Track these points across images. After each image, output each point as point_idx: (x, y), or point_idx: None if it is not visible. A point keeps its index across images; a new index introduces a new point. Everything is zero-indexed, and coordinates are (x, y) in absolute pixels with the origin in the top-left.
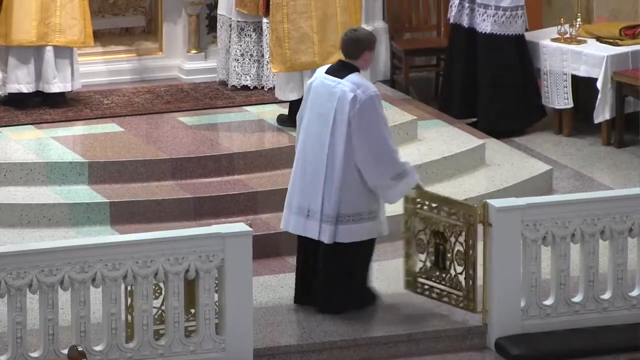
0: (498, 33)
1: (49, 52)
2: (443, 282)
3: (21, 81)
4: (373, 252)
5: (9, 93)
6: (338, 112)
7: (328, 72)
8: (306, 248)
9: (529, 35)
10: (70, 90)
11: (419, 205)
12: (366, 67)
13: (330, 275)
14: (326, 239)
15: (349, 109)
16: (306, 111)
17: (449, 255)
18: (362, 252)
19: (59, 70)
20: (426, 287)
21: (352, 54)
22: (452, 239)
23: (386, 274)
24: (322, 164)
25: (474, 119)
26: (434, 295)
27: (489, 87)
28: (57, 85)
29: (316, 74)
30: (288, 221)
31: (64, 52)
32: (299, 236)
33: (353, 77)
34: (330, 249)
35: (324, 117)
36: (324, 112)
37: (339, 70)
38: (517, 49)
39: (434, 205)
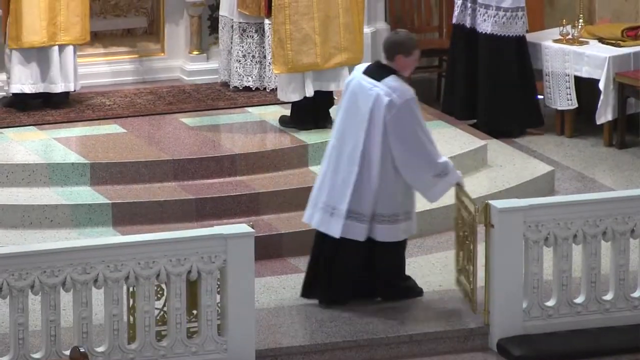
0: (498, 34)
1: (55, 52)
2: (466, 280)
3: (25, 81)
4: (405, 247)
5: (12, 94)
6: (373, 115)
7: (366, 72)
8: (323, 244)
9: (531, 36)
10: (73, 90)
11: (461, 203)
12: (404, 71)
13: (348, 270)
14: (360, 237)
15: (384, 113)
16: (341, 111)
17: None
18: (394, 249)
19: (63, 70)
20: (462, 283)
21: (388, 56)
22: (470, 238)
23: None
24: (356, 164)
25: (475, 120)
26: (463, 292)
27: (488, 87)
28: (61, 85)
29: (354, 72)
30: (312, 216)
31: (68, 51)
32: (318, 231)
33: (389, 80)
34: (355, 245)
35: (360, 118)
36: (360, 113)
37: (376, 71)
38: (517, 50)
39: (464, 203)
